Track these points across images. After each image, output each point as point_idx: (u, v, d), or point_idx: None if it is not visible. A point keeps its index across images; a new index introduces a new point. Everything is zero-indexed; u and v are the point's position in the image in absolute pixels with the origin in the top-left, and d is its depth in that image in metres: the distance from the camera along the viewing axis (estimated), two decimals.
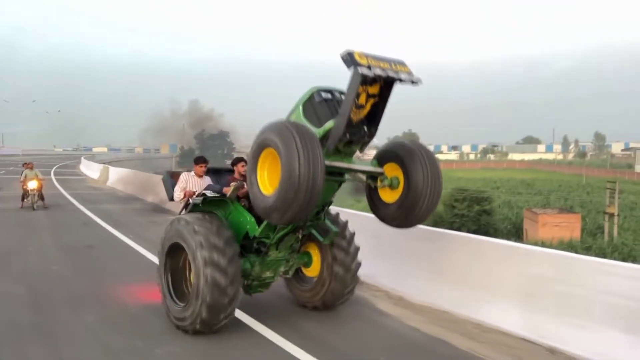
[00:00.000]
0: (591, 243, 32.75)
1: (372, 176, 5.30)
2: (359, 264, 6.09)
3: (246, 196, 5.52)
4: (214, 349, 5.04)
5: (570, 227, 37.39)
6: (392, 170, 5.19)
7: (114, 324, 5.66)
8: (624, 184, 75.63)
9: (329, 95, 4.99)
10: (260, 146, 4.63)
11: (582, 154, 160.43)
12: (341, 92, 4.94)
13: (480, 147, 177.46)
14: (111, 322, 5.72)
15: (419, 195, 4.95)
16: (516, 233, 42.21)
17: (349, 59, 4.41)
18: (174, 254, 5.67)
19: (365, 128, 4.94)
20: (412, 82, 4.61)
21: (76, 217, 14.15)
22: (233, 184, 5.74)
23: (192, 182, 6.37)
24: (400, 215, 5.15)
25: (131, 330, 5.47)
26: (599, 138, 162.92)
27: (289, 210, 4.37)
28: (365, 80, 4.49)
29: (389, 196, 5.23)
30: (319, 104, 4.95)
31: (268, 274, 5.84)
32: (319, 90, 5.01)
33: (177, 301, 5.54)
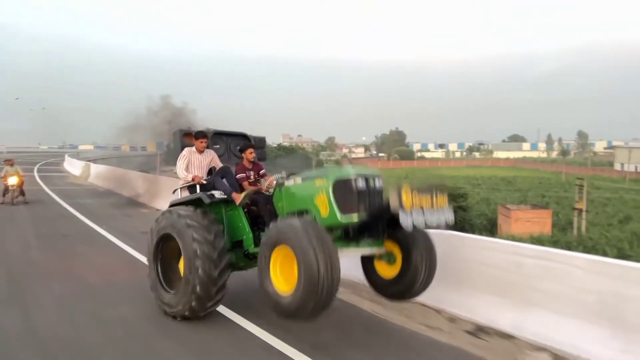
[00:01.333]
0: (559, 237, 33.96)
1: None
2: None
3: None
4: (160, 314, 5.89)
5: (542, 222, 38.54)
6: (389, 246, 5.31)
7: (77, 294, 6.63)
8: (602, 181, 77.64)
9: (364, 186, 4.89)
10: (275, 241, 4.64)
11: (565, 152, 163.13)
12: (376, 177, 5.02)
13: (467, 145, 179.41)
14: (74, 293, 6.69)
15: (416, 273, 5.12)
16: (491, 229, 43.35)
17: (398, 200, 4.48)
18: (165, 244, 5.95)
19: (383, 230, 5.10)
20: (447, 224, 4.76)
21: (55, 211, 15.01)
22: (244, 193, 5.76)
23: (194, 159, 6.25)
24: (397, 291, 5.34)
25: (91, 299, 6.45)
26: (582, 136, 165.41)
27: (308, 305, 4.37)
28: None
29: (385, 270, 5.40)
30: (351, 191, 4.83)
31: (251, 264, 6.02)
32: (358, 176, 4.90)
33: (166, 288, 5.87)
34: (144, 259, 8.49)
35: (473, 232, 35.27)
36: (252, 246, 5.62)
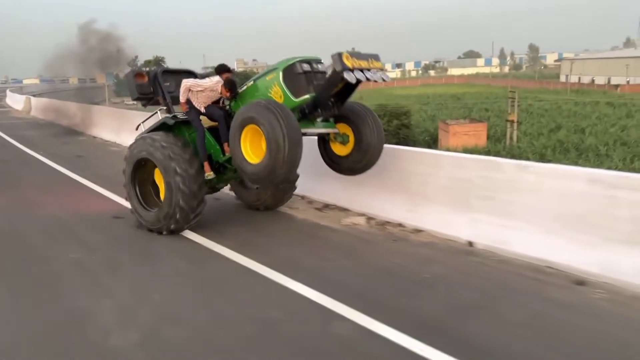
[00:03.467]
0: (491, 148, 36.48)
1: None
2: (297, 175, 6.84)
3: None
4: (126, 236, 6.21)
5: (478, 135, 40.96)
6: (342, 128, 5.97)
7: (15, 202, 7.96)
8: (546, 94, 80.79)
9: (308, 68, 5.48)
10: (244, 122, 5.19)
11: (517, 66, 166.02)
12: (318, 62, 5.63)
13: (423, 63, 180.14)
14: (13, 201, 8.02)
15: (368, 149, 5.83)
16: (434, 143, 45.49)
17: (338, 61, 5.05)
18: (141, 169, 6.36)
19: (333, 104, 5.69)
20: (383, 79, 5.46)
21: None
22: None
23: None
24: (351, 166, 6.04)
25: (27, 205, 7.78)
26: (533, 50, 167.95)
27: (276, 174, 5.05)
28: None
29: (340, 150, 6.06)
30: (298, 74, 5.43)
31: (222, 184, 6.85)
32: (301, 61, 5.47)
33: (147, 208, 6.30)
34: (74, 175, 9.89)
35: (417, 147, 37.39)
36: (221, 156, 6.08)
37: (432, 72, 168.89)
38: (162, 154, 5.82)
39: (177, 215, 5.81)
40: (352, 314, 3.98)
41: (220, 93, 6.10)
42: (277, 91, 5.52)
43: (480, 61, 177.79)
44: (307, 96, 5.41)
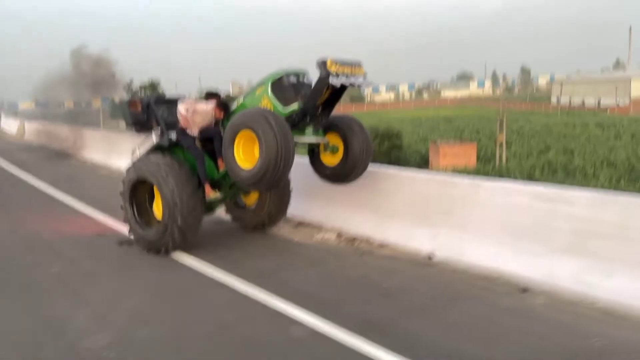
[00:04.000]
0: (480, 168, 36.92)
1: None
2: (290, 195, 7.17)
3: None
4: (105, 252, 7.21)
5: (467, 155, 41.24)
6: (332, 139, 6.14)
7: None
8: (537, 116, 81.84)
9: (295, 80, 5.73)
10: (238, 128, 5.35)
11: (510, 89, 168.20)
12: (304, 74, 5.84)
13: (417, 85, 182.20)
14: None
15: (357, 160, 6.04)
16: (425, 164, 45.89)
17: (323, 67, 5.29)
18: (138, 190, 6.48)
19: (321, 112, 5.89)
20: (367, 85, 5.72)
21: None
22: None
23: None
24: (340, 176, 6.22)
25: (6, 219, 8.13)
26: (525, 72, 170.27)
27: (266, 179, 5.21)
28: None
29: (329, 160, 6.24)
30: (286, 86, 5.67)
31: (218, 204, 6.93)
32: (288, 74, 5.73)
33: (145, 228, 6.38)
34: (61, 196, 10.22)
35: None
36: (216, 173, 6.26)
37: (425, 95, 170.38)
38: (159, 174, 5.96)
39: (176, 233, 5.90)
40: (309, 319, 4.32)
41: (215, 116, 6.32)
42: (267, 103, 5.76)
43: (473, 84, 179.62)
44: (295, 106, 5.64)
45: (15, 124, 29.96)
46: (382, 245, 6.39)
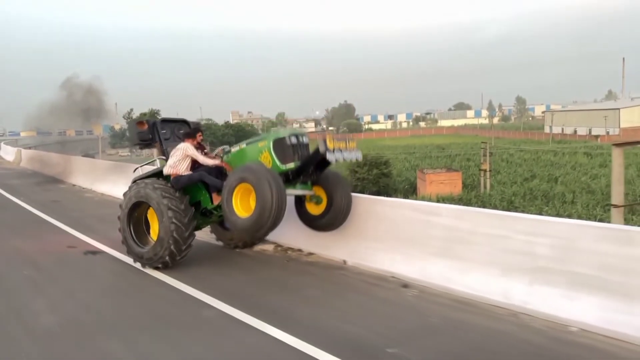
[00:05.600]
0: (463, 196, 38.06)
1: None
2: None
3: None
4: (72, 261, 8.77)
5: (453, 183, 42.60)
6: (317, 190, 6.83)
7: None
8: (529, 144, 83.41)
9: (295, 141, 6.42)
10: (238, 181, 6.01)
11: (506, 118, 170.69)
12: (303, 135, 6.61)
13: (414, 115, 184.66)
14: None
15: (338, 212, 6.69)
16: (413, 191, 47.09)
17: (323, 144, 6.04)
18: (136, 210, 7.07)
19: (313, 172, 6.61)
20: (357, 159, 6.47)
21: None
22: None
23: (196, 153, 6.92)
24: (323, 224, 6.88)
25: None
26: (520, 102, 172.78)
27: (261, 227, 5.88)
28: None
29: (313, 209, 6.93)
30: (287, 146, 6.34)
31: (205, 225, 7.62)
32: (290, 135, 6.45)
33: (140, 245, 7.00)
34: (46, 217, 11.31)
35: (396, 196, 38.86)
36: (210, 204, 6.92)
37: (422, 124, 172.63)
38: (156, 195, 6.61)
39: (172, 247, 6.51)
40: (221, 305, 5.40)
41: (197, 143, 7.09)
42: (267, 157, 6.39)
43: (471, 113, 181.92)
44: (292, 165, 6.33)
45: (13, 152, 31.31)
46: (309, 254, 7.47)
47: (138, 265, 6.99)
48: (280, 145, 6.39)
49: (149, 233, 7.21)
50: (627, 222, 23.13)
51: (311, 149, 6.54)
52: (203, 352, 4.46)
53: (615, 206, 10.58)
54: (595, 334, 4.42)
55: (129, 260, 7.32)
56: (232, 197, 6.09)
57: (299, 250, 7.69)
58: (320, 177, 6.75)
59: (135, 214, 7.12)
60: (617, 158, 10.67)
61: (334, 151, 6.09)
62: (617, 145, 11.44)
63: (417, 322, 4.95)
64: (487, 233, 5.48)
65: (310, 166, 6.47)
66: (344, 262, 6.94)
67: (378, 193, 39.10)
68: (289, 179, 6.45)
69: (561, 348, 4.28)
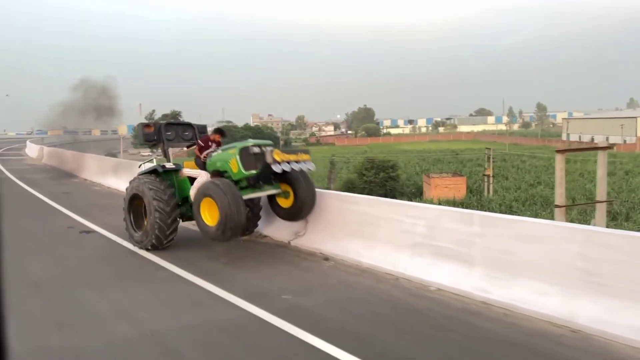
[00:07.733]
0: (465, 200, 39.05)
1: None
2: (260, 210, 8.76)
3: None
4: (64, 234, 10.39)
5: (457, 187, 43.58)
6: (284, 187, 7.83)
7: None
8: (545, 150, 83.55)
9: (258, 150, 7.42)
10: (203, 196, 7.04)
11: (527, 125, 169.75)
12: (267, 146, 7.59)
13: (434, 120, 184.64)
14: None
15: (303, 203, 7.67)
16: (420, 195, 48.11)
17: (270, 156, 7.01)
18: (134, 201, 8.20)
19: (272, 178, 7.70)
20: (308, 169, 7.46)
21: (4, 183, 19.22)
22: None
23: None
24: (292, 214, 7.89)
25: (11, 220, 10.86)
26: (541, 108, 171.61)
27: (226, 232, 6.84)
28: None
29: (283, 202, 7.93)
30: (250, 154, 7.35)
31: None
32: (254, 145, 7.47)
33: (136, 230, 8.18)
34: (57, 205, 12.96)
35: (401, 198, 39.95)
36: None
37: (441, 129, 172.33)
38: (146, 188, 7.78)
39: (157, 231, 7.59)
40: (176, 269, 6.87)
41: (212, 142, 8.29)
42: (234, 162, 7.38)
43: (491, 119, 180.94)
44: (253, 171, 7.36)
45: (36, 149, 33.47)
46: (264, 236, 8.89)
47: (136, 248, 8.11)
48: (245, 154, 7.39)
49: (144, 221, 8.18)
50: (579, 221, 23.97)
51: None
52: (149, 297, 5.94)
53: (558, 206, 11.71)
54: (446, 292, 5.77)
55: (116, 238, 8.84)
56: (199, 209, 7.13)
57: (260, 233, 9.09)
58: (288, 176, 7.66)
59: (135, 203, 8.28)
60: (559, 163, 11.77)
61: (281, 163, 7.10)
62: (560, 152, 12.54)
63: (318, 282, 6.36)
64: (388, 217, 6.86)
65: (267, 173, 7.45)
66: (289, 242, 8.34)
67: (384, 196, 40.21)
68: (252, 183, 7.57)
69: (417, 301, 5.64)
